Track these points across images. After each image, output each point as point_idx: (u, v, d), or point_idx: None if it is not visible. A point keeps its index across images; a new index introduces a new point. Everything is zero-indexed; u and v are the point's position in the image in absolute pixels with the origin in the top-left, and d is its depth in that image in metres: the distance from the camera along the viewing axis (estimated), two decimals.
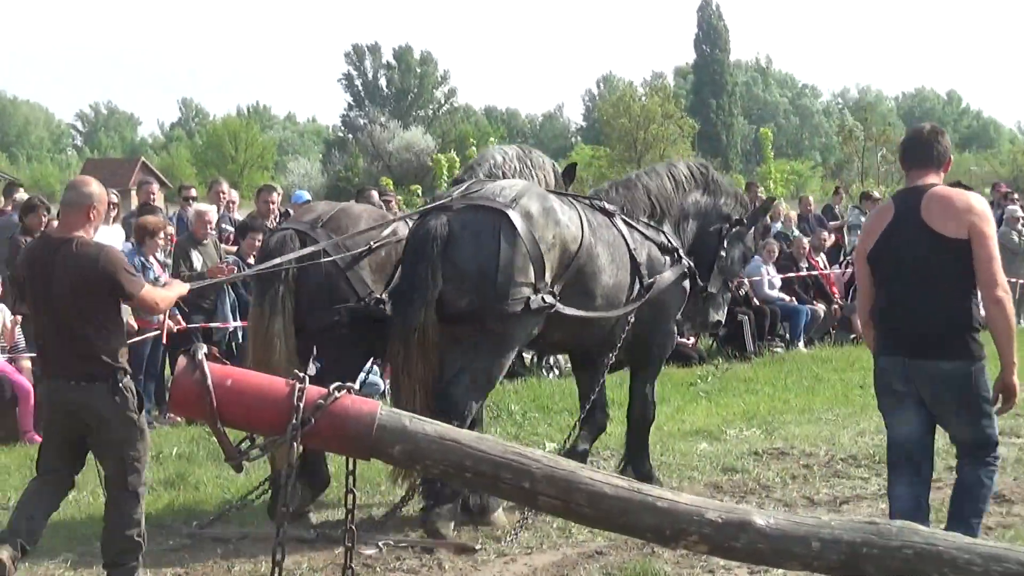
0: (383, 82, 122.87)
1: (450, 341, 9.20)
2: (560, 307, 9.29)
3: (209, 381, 5.23)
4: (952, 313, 7.29)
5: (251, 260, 15.21)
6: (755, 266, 19.43)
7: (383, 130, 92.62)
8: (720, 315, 11.44)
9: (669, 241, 10.51)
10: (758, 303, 20.07)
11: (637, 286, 10.05)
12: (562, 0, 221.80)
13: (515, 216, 9.07)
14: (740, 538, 5.23)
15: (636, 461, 10.59)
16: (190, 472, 11.47)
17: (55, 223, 10.24)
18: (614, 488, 5.28)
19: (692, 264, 10.65)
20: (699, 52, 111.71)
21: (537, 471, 5.29)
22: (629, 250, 10.01)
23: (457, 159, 34.78)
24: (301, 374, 5.37)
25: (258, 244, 15.48)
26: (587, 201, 10.18)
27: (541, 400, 15.07)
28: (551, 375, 17.27)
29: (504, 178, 10.13)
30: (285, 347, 9.19)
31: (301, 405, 5.22)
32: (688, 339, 18.31)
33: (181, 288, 8.57)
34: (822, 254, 22.12)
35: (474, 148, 35.58)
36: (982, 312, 7.37)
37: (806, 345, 20.28)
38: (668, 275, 10.31)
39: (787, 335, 20.43)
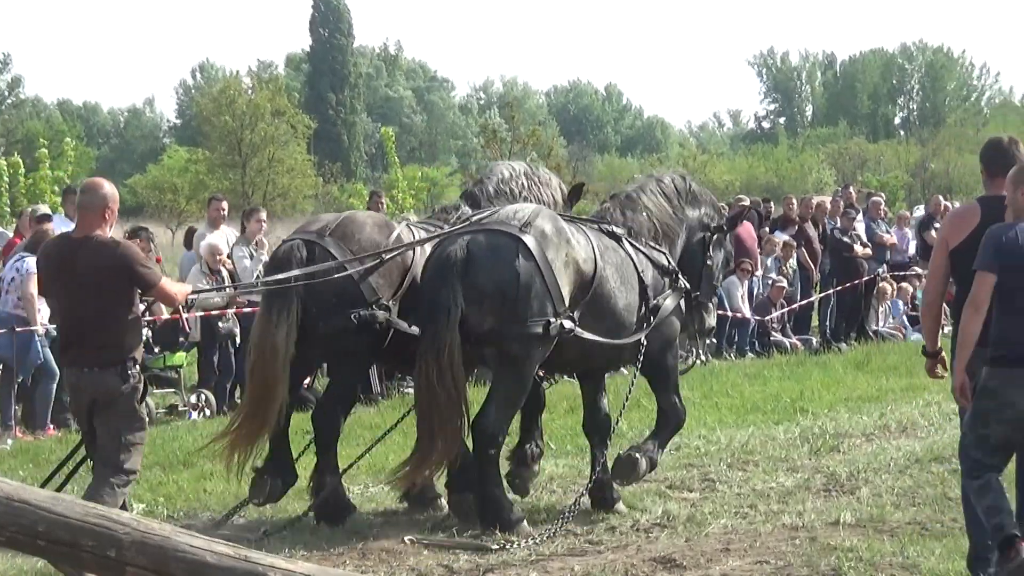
0: None
1: (475, 360, 10.96)
2: (579, 331, 10.64)
3: None
4: None
5: None
6: None
7: None
8: (712, 320, 12.78)
9: (669, 262, 11.81)
10: None
11: (644, 308, 11.37)
12: None
13: (529, 239, 10.44)
14: None
15: (651, 450, 11.60)
16: None
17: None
18: (217, 556, 5.22)
19: (687, 283, 11.94)
20: (315, 36, 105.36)
21: (125, 537, 5.14)
22: (637, 272, 11.34)
23: (22, 163, 33.22)
24: None
25: None
26: (595, 225, 11.51)
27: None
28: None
29: (511, 193, 11.98)
30: (285, 356, 10.50)
31: None
32: None
33: (187, 288, 10.61)
34: None
35: (44, 149, 33.68)
36: None
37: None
38: (671, 300, 11.70)
39: None
